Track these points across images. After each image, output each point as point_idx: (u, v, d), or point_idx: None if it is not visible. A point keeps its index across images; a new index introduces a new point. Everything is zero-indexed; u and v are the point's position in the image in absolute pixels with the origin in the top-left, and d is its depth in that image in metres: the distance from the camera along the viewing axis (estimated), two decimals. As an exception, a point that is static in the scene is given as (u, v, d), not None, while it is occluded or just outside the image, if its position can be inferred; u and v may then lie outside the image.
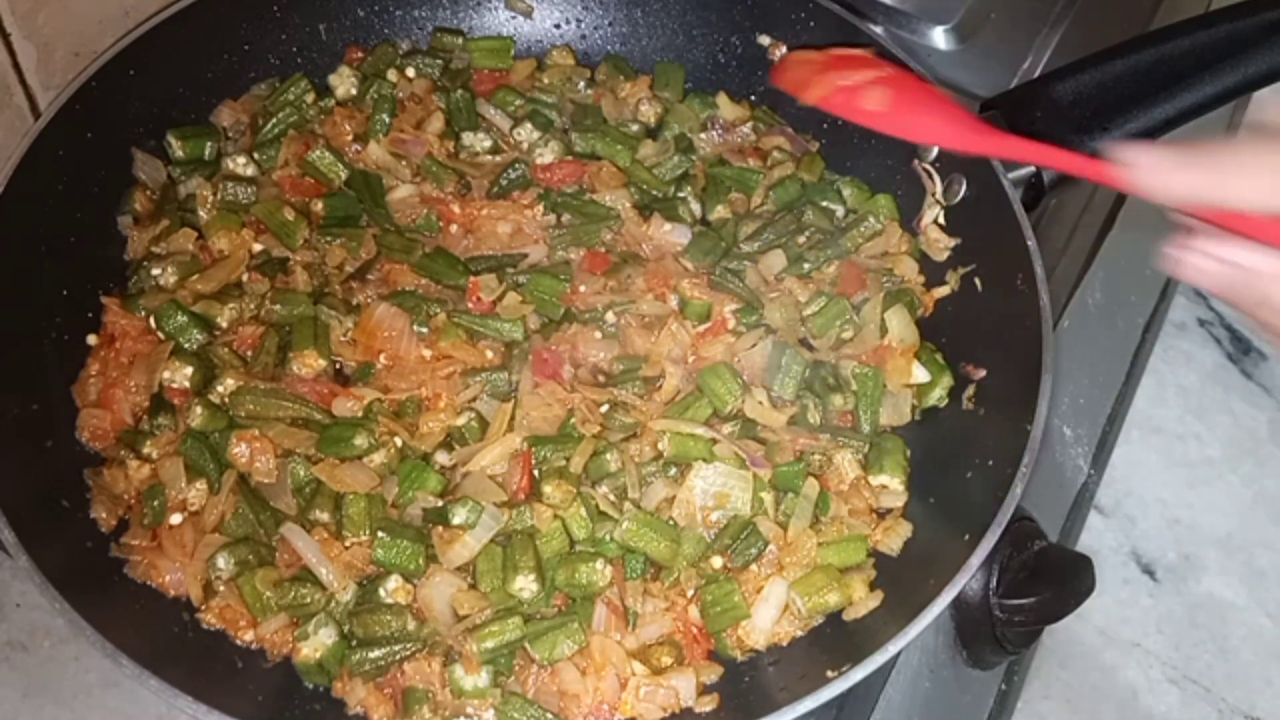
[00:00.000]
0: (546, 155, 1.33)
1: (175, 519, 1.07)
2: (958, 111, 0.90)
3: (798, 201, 1.32)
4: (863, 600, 1.07)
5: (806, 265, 1.28)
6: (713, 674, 1.05)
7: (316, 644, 1.02)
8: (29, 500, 0.98)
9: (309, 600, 1.03)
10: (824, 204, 1.33)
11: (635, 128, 1.37)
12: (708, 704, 1.02)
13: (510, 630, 1.02)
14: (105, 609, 0.92)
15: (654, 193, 1.33)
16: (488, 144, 1.35)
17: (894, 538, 1.11)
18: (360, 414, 1.13)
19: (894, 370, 1.20)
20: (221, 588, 1.04)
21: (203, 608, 1.04)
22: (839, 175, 1.36)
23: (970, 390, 1.17)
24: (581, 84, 1.40)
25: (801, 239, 1.29)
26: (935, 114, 0.90)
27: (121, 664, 0.89)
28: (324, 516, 1.08)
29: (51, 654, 1.09)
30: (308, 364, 1.15)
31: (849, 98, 0.93)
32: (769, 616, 1.07)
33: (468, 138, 1.34)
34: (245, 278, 1.21)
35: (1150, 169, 0.62)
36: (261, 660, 1.03)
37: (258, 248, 1.24)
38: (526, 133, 1.34)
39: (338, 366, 1.18)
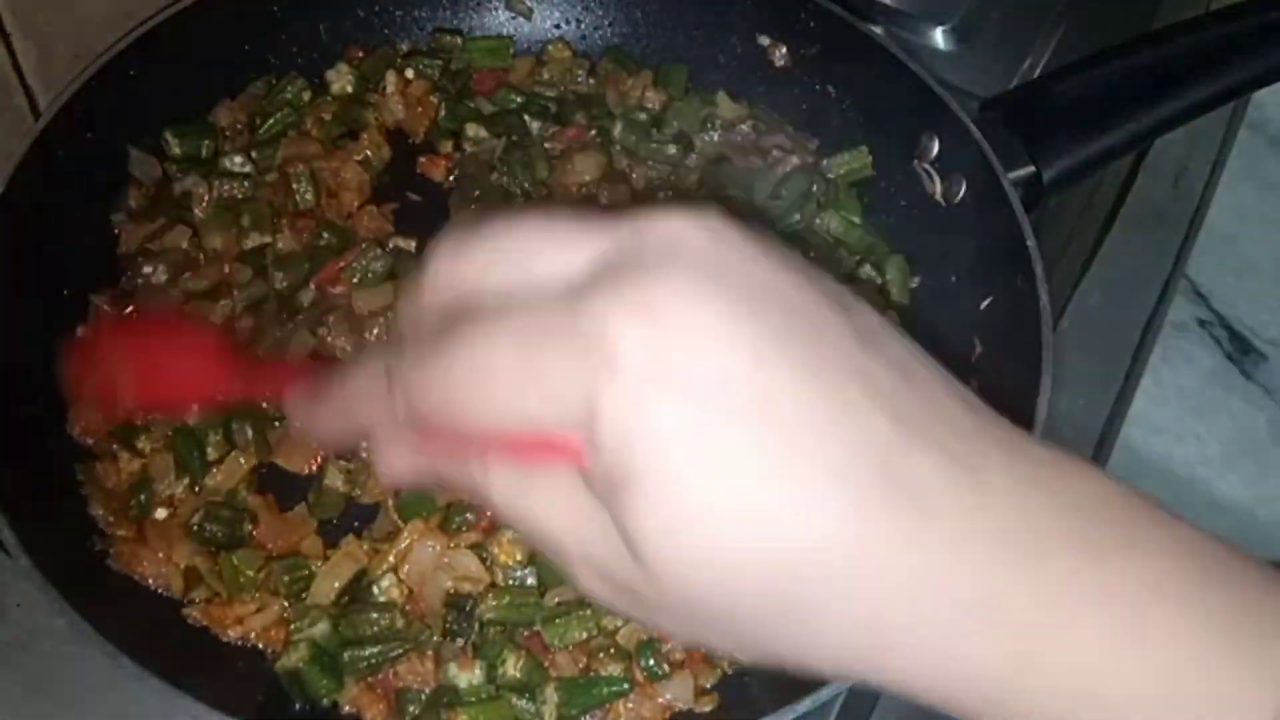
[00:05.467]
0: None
1: (160, 513, 1.07)
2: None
3: (808, 201, 1.32)
4: None
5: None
6: (711, 676, 1.04)
7: (309, 637, 1.01)
8: (29, 500, 0.98)
9: (289, 579, 1.03)
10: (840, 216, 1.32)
11: (643, 116, 1.37)
12: (707, 704, 1.02)
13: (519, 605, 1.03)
14: (106, 609, 0.92)
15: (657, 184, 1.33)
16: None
17: None
18: None
19: None
20: (202, 567, 1.04)
21: (186, 601, 1.04)
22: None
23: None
24: (581, 75, 1.40)
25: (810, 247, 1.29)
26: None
27: (122, 664, 0.88)
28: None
29: (52, 654, 1.08)
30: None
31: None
32: None
33: (470, 129, 1.34)
34: (228, 268, 1.21)
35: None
36: (261, 660, 1.03)
37: (250, 244, 1.23)
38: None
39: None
